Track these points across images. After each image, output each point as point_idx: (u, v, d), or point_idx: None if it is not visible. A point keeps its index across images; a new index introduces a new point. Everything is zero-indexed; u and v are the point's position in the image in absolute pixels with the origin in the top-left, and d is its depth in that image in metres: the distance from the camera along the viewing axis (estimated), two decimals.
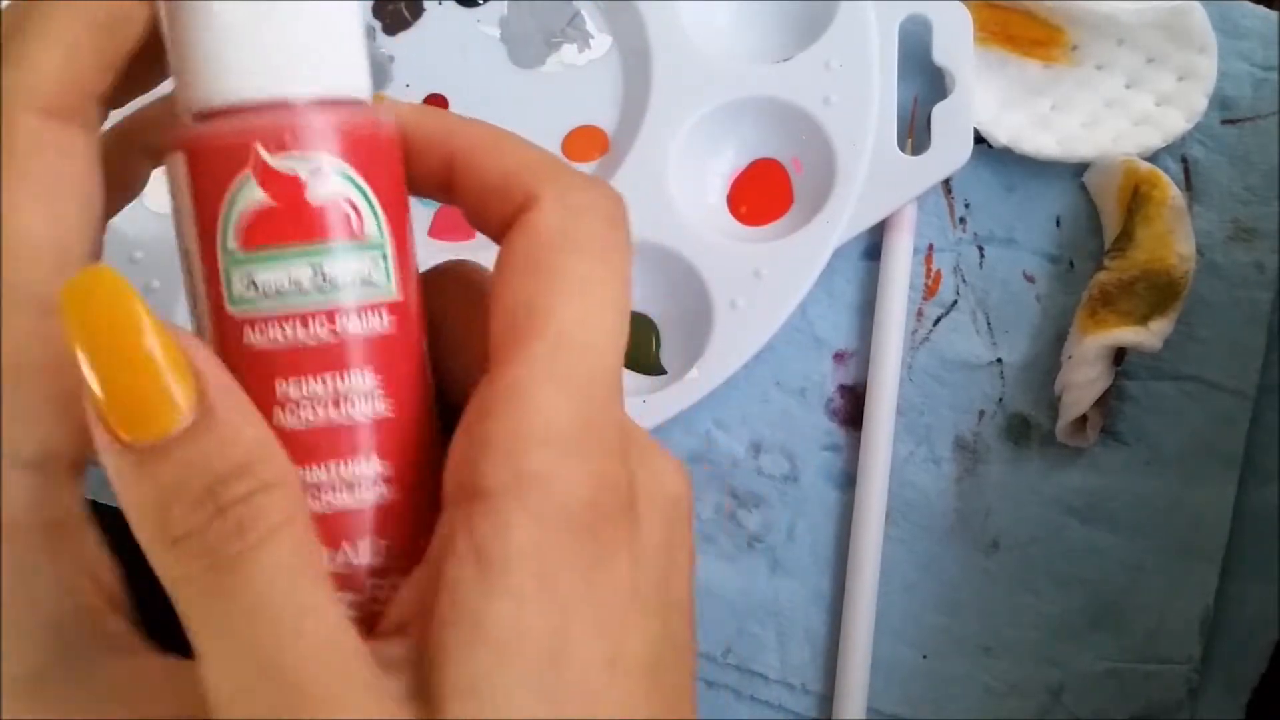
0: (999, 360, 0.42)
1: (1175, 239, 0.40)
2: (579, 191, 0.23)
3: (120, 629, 0.22)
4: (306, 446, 0.22)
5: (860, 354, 0.42)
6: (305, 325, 0.22)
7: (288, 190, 0.22)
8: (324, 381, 0.22)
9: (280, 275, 0.22)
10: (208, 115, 0.23)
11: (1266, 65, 0.42)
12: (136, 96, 0.25)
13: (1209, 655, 0.40)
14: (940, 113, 0.41)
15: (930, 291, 0.42)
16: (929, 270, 0.42)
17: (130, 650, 0.22)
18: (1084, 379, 0.39)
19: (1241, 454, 0.40)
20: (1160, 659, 0.39)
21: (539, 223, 0.23)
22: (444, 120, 0.24)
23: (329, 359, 0.22)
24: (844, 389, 0.42)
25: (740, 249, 0.40)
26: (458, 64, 0.43)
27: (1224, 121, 0.42)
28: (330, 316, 0.22)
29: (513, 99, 0.43)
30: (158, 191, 0.39)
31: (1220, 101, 0.42)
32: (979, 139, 0.42)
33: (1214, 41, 0.41)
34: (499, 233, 0.23)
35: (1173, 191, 0.40)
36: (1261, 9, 0.43)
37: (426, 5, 0.43)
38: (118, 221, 0.39)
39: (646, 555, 0.22)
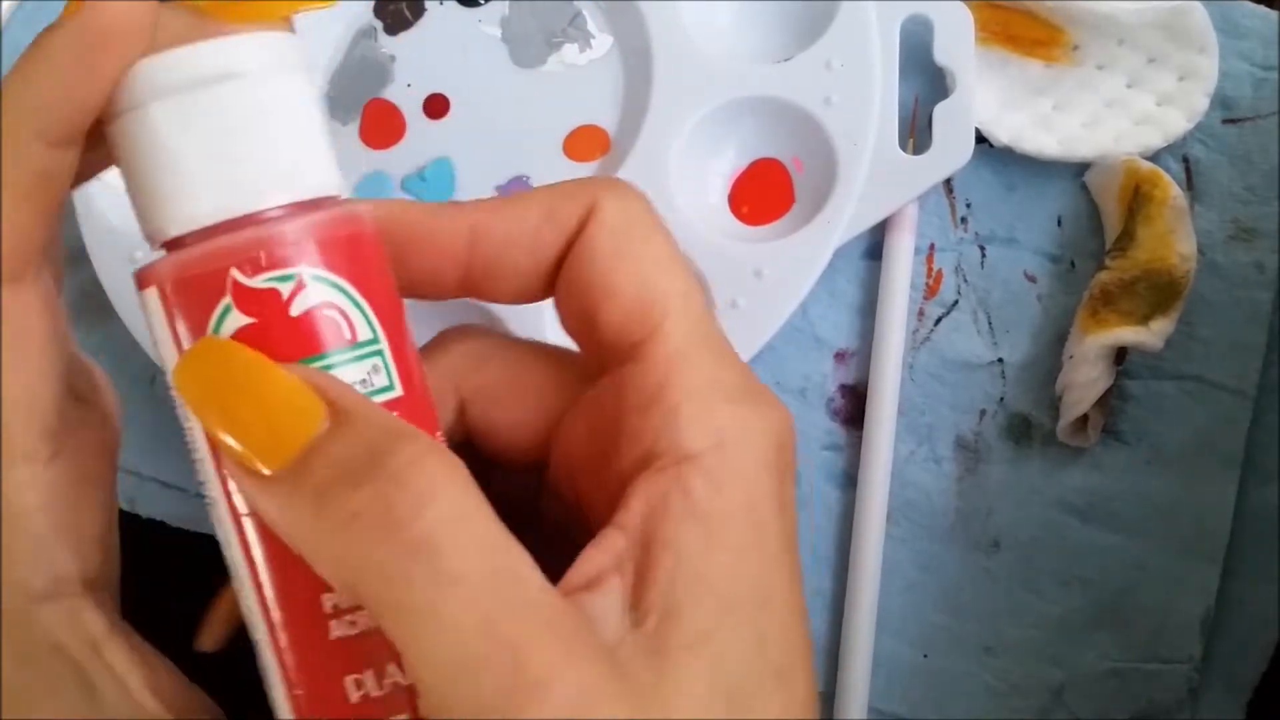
0: (1000, 360, 0.42)
1: (1176, 239, 0.40)
2: (619, 187, 0.24)
3: None
4: None
5: (861, 354, 0.42)
6: None
7: (269, 309, 0.21)
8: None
9: None
10: (176, 243, 0.22)
11: (1267, 65, 0.43)
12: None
13: (1210, 655, 0.40)
14: (941, 112, 0.41)
15: (931, 291, 0.42)
16: (930, 270, 0.42)
17: None
18: (1085, 379, 0.39)
19: (1242, 454, 0.40)
20: (1161, 659, 0.39)
21: (607, 219, 0.24)
22: (422, 209, 0.25)
23: None
24: (845, 388, 0.42)
25: (741, 249, 0.40)
26: (459, 64, 0.43)
27: (1225, 121, 0.42)
28: None
29: (514, 99, 0.43)
30: None
31: (1221, 101, 0.42)
32: (980, 139, 0.42)
33: (1214, 41, 0.41)
34: (549, 269, 0.24)
35: (1174, 191, 0.40)
36: (1261, 9, 0.43)
37: (428, 5, 0.43)
38: (118, 222, 0.39)
39: (793, 501, 0.24)
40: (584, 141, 0.42)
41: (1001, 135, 0.42)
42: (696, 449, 0.22)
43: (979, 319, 0.42)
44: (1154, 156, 0.42)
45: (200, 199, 0.22)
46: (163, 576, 0.28)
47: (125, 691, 0.23)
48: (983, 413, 0.41)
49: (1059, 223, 0.42)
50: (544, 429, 0.26)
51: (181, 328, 0.22)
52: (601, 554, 0.22)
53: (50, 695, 0.22)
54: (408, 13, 0.43)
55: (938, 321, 0.42)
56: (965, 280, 0.42)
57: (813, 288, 0.40)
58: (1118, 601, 0.40)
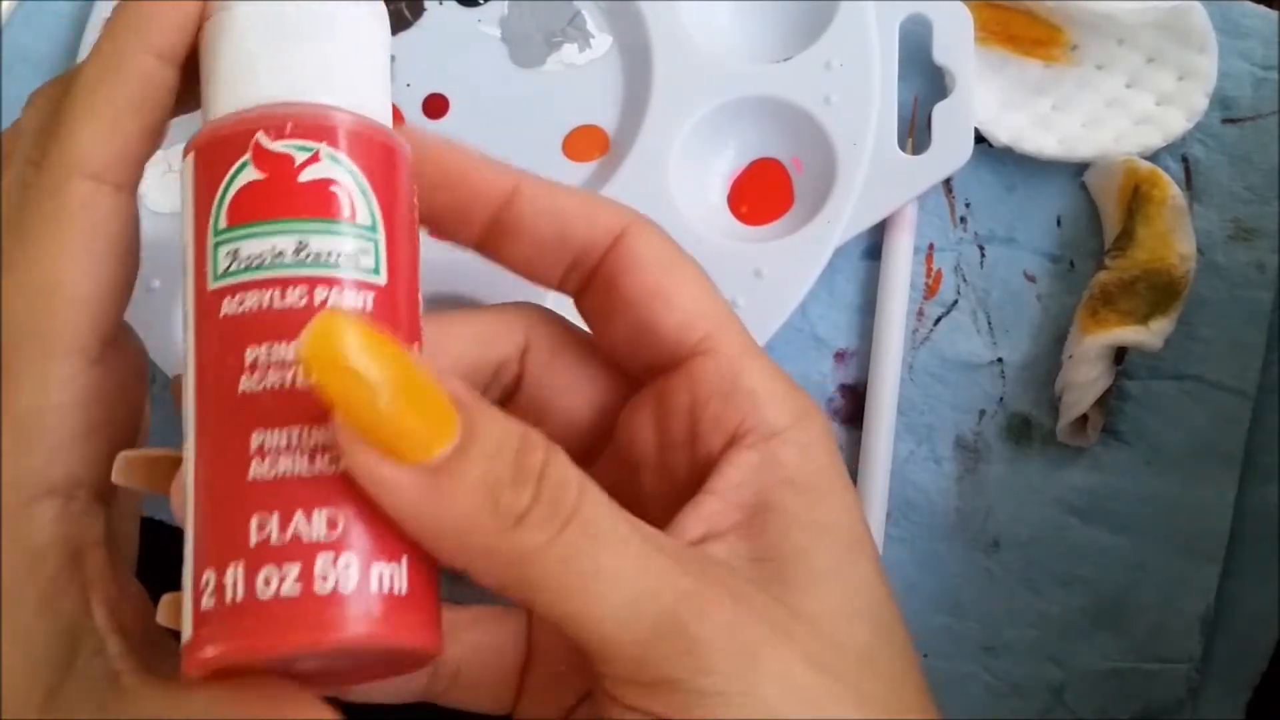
0: (1000, 360, 0.42)
1: (1176, 238, 0.40)
2: (646, 218, 0.27)
3: (117, 651, 0.23)
4: (268, 409, 0.22)
5: (861, 353, 0.42)
6: (282, 292, 0.22)
7: (281, 169, 0.23)
8: (292, 347, 0.22)
9: (263, 246, 0.22)
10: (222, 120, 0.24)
11: (1267, 65, 0.43)
12: None
13: (1209, 654, 0.40)
14: (941, 112, 0.41)
15: (931, 291, 0.42)
16: (929, 270, 0.42)
17: (118, 675, 0.23)
18: (1085, 378, 0.39)
19: (1242, 453, 0.40)
20: (1161, 658, 0.39)
21: (647, 237, 0.27)
22: (472, 152, 0.26)
23: (300, 325, 0.21)
24: (844, 388, 0.42)
25: (740, 248, 0.40)
26: (458, 63, 0.43)
27: (1224, 121, 0.42)
28: (310, 285, 0.22)
29: (513, 98, 0.43)
30: (158, 191, 0.39)
31: (1221, 101, 0.42)
32: (979, 138, 0.42)
33: (1214, 41, 0.41)
34: (568, 253, 0.27)
35: (1173, 191, 0.40)
36: (1261, 9, 0.43)
37: (427, 5, 0.43)
38: None
39: None
40: (583, 141, 0.42)
41: (1001, 135, 0.42)
42: (781, 425, 0.26)
43: (978, 319, 0.42)
44: (1153, 156, 0.42)
45: (257, 85, 0.23)
46: (163, 576, 0.28)
47: (85, 605, 0.24)
48: (982, 413, 0.41)
49: (1058, 223, 0.42)
50: (592, 421, 0.28)
51: (203, 183, 0.23)
52: (703, 516, 0.25)
53: (13, 603, 0.23)
54: (407, 12, 0.43)
55: (937, 321, 0.42)
56: (965, 280, 0.42)
57: (812, 287, 0.40)
58: (1118, 601, 0.40)
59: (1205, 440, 0.40)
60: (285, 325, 0.22)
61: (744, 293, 0.39)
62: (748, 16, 0.43)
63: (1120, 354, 0.40)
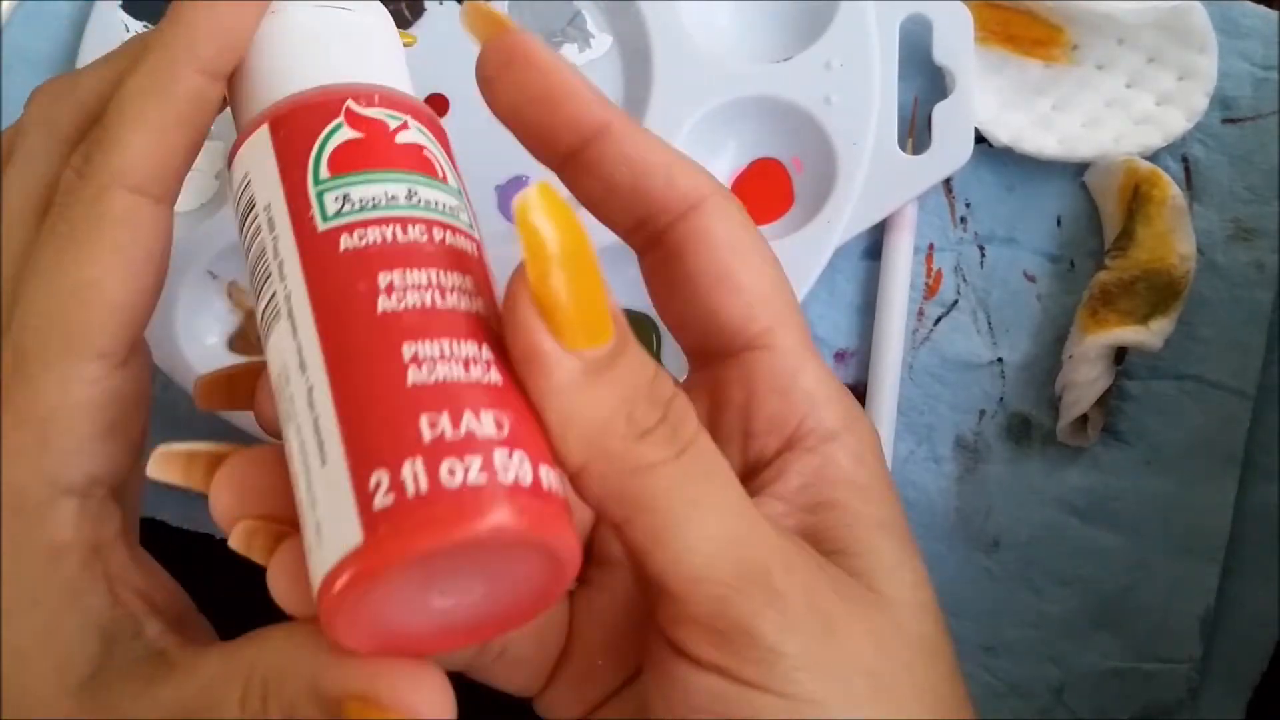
0: (1000, 360, 0.42)
1: (1176, 238, 0.40)
2: (728, 192, 0.27)
3: (156, 631, 0.24)
4: (415, 324, 0.22)
5: (861, 353, 0.42)
6: (403, 228, 0.23)
7: (377, 131, 0.24)
8: (425, 274, 0.23)
9: (376, 191, 0.24)
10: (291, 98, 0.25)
11: (1267, 65, 0.43)
12: None
13: (1210, 654, 0.40)
14: (941, 112, 0.41)
15: (931, 291, 0.42)
16: (929, 270, 0.42)
17: (164, 651, 0.24)
18: (1085, 378, 0.39)
19: (1242, 453, 0.40)
20: (1161, 658, 0.39)
21: (726, 216, 0.26)
22: (584, 79, 0.27)
23: (426, 256, 0.23)
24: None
25: None
26: (458, 63, 0.43)
27: (1224, 121, 0.42)
28: (428, 225, 0.23)
29: None
30: None
31: (1221, 101, 0.42)
32: (980, 138, 0.42)
33: (1214, 41, 0.41)
34: (636, 206, 0.26)
35: (1173, 191, 0.40)
36: (1261, 9, 0.43)
37: (427, 5, 0.43)
38: None
39: None
40: None
41: (1001, 135, 0.42)
42: (836, 429, 0.26)
43: (978, 319, 0.42)
44: (1154, 156, 0.42)
45: (319, 71, 0.25)
46: None
47: (112, 598, 0.24)
48: (982, 412, 0.41)
49: (1058, 223, 0.42)
50: None
51: (290, 144, 0.24)
52: (770, 518, 0.24)
53: (34, 602, 0.24)
54: (407, 13, 0.43)
55: (937, 321, 0.42)
56: (965, 280, 0.42)
57: (812, 287, 0.40)
58: (1118, 601, 0.40)
59: (1205, 440, 0.40)
60: (412, 256, 0.23)
61: None
62: (748, 16, 0.43)
63: (1120, 354, 0.40)
